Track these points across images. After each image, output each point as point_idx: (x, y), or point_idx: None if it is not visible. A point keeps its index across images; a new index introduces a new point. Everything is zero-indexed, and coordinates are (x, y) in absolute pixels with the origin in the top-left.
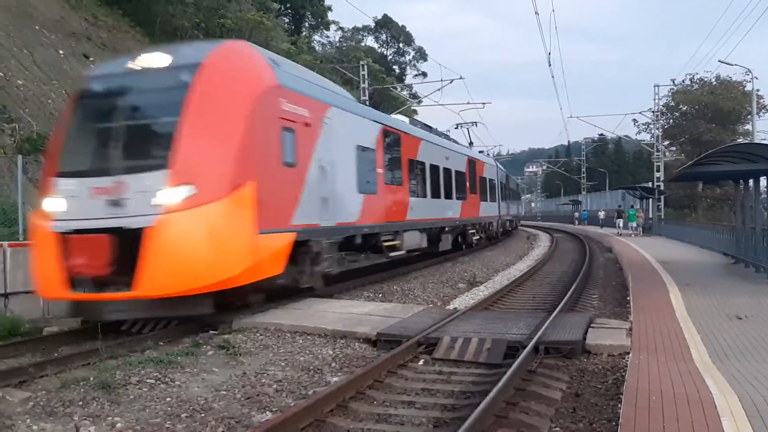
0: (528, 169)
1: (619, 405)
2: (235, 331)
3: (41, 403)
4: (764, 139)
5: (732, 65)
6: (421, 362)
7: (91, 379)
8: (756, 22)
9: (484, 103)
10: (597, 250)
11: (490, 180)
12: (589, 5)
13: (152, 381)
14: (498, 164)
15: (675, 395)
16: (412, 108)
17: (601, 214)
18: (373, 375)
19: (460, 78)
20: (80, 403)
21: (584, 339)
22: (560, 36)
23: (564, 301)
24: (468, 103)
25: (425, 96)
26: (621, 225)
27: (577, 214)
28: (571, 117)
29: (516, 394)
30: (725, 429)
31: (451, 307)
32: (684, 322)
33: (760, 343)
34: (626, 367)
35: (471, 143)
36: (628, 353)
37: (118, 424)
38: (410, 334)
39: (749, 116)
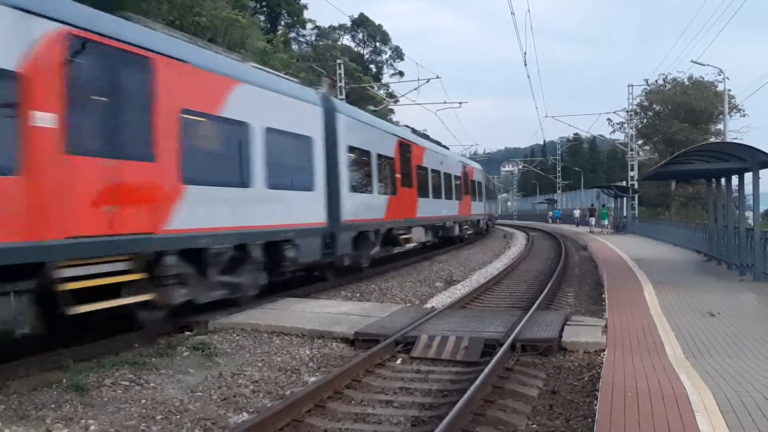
0: (504, 169)
1: (595, 402)
2: (210, 332)
3: (13, 407)
4: (735, 139)
5: (704, 65)
6: (398, 361)
7: (64, 381)
8: (727, 24)
9: (460, 103)
10: (572, 248)
11: (299, 139)
12: (564, 6)
13: (126, 383)
14: (364, 116)
15: (650, 391)
16: (389, 107)
17: (576, 213)
18: (350, 374)
19: (437, 77)
20: (53, 405)
21: (560, 336)
22: (536, 36)
23: (540, 299)
24: (444, 102)
25: (402, 95)
26: (594, 223)
27: (550, 213)
28: (546, 116)
29: (493, 391)
30: (699, 424)
31: (428, 305)
32: (658, 319)
33: (732, 340)
34: (602, 364)
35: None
36: (604, 350)
37: (92, 427)
38: (388, 333)
39: (721, 116)
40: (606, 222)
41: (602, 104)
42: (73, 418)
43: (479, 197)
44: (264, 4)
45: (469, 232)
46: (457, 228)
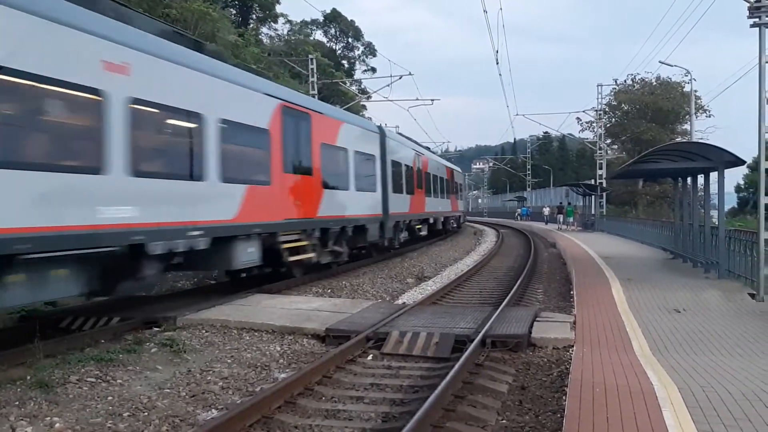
0: (475, 166)
1: (564, 397)
2: (179, 328)
3: None
4: (701, 139)
5: (672, 66)
6: (369, 357)
7: (28, 378)
8: (694, 27)
9: (432, 100)
10: (541, 245)
11: None
12: (537, 4)
13: (93, 379)
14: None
15: (618, 387)
16: (362, 103)
17: (546, 211)
18: (321, 371)
19: (410, 74)
20: (17, 403)
21: (530, 332)
22: (508, 34)
23: (510, 295)
24: (417, 99)
25: (374, 92)
26: (561, 220)
27: (517, 211)
28: (517, 115)
29: (464, 387)
30: (666, 419)
31: (399, 301)
32: (625, 315)
33: (698, 336)
34: (570, 359)
35: None
36: (573, 346)
37: (57, 425)
38: (359, 329)
39: (687, 116)
40: (571, 219)
41: (572, 103)
42: (38, 416)
43: (383, 185)
44: None
45: (323, 258)
46: (247, 250)
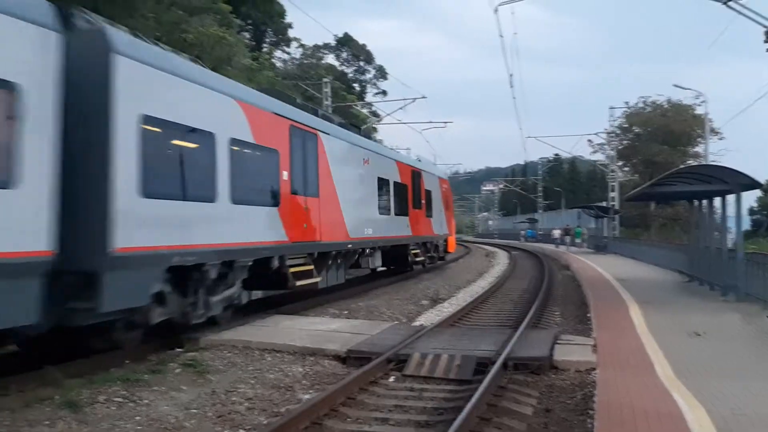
0: (485, 188)
1: (589, 420)
2: (201, 349)
3: (6, 424)
4: (714, 161)
5: (686, 89)
6: (391, 379)
7: (57, 398)
8: (707, 50)
9: (445, 123)
10: (555, 267)
11: None
12: (551, 28)
13: (120, 399)
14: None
15: (646, 410)
16: (373, 126)
17: (556, 233)
18: (345, 392)
19: (423, 97)
20: (47, 422)
21: (551, 355)
22: (521, 57)
23: (528, 317)
24: (430, 122)
25: (387, 114)
26: (569, 242)
27: (522, 232)
28: (529, 137)
29: (488, 409)
30: None
31: (417, 323)
32: (645, 338)
33: (720, 359)
34: (593, 382)
35: None
36: (595, 369)
37: None
38: (380, 350)
39: (698, 139)
40: (579, 240)
41: (583, 126)
42: None
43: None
44: (249, 22)
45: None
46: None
